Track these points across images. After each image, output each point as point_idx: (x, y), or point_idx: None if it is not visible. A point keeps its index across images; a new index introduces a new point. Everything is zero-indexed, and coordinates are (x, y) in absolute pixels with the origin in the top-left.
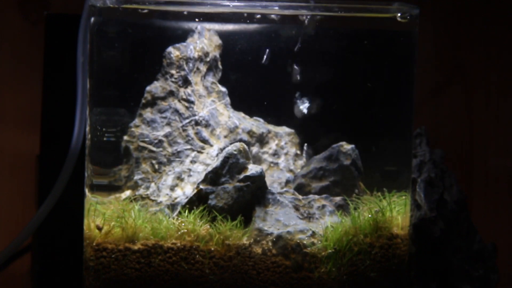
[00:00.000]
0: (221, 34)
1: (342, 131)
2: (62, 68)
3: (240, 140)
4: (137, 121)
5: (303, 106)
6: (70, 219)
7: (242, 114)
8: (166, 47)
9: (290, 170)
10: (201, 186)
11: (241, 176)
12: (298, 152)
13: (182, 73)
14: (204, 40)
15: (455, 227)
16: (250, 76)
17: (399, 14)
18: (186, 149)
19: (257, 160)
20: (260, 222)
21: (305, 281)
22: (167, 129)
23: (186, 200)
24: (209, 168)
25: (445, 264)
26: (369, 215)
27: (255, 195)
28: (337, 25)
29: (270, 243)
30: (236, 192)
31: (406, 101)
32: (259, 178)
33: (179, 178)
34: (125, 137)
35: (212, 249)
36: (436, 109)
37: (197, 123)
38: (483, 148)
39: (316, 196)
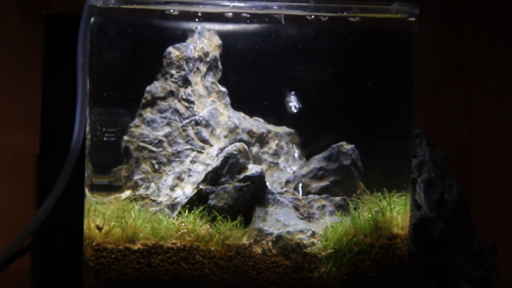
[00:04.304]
0: (221, 34)
1: (342, 131)
2: (62, 68)
3: (240, 140)
4: (137, 121)
5: (293, 104)
6: (70, 219)
7: (242, 114)
8: (166, 47)
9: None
10: (201, 186)
11: (241, 176)
12: (299, 152)
13: (182, 73)
14: (204, 40)
15: (455, 227)
16: (250, 76)
17: (399, 14)
18: (186, 149)
19: (257, 160)
20: (260, 222)
21: (305, 281)
22: (167, 129)
23: (186, 200)
24: (209, 168)
25: (445, 264)
26: (369, 215)
27: (255, 195)
28: (337, 25)
29: (270, 243)
30: (236, 192)
31: (406, 101)
32: (259, 178)
33: (179, 178)
34: (125, 137)
35: (212, 249)
36: (436, 109)
37: (197, 123)
38: (483, 148)
39: (316, 196)
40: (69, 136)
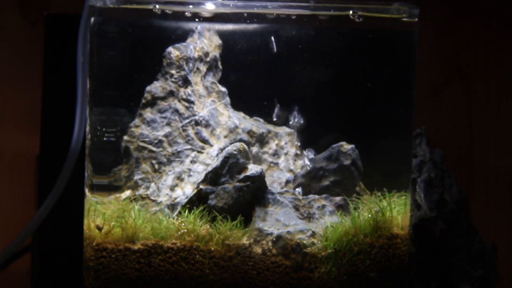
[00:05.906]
0: (221, 34)
1: (342, 131)
2: (62, 68)
3: (240, 140)
4: (137, 121)
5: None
6: (70, 219)
7: (242, 114)
8: (166, 47)
9: (290, 170)
10: (201, 186)
11: (241, 176)
12: (298, 152)
13: (182, 73)
14: (204, 40)
15: (455, 227)
16: (250, 76)
17: (399, 14)
18: (186, 149)
19: (257, 160)
20: (260, 222)
21: (305, 281)
22: (167, 129)
23: (186, 200)
24: (209, 168)
25: (445, 264)
26: (369, 215)
27: (255, 195)
28: (337, 25)
29: (270, 243)
30: (236, 192)
31: (406, 101)
32: (259, 178)
33: (179, 178)
34: (125, 137)
35: (212, 249)
36: (436, 109)
37: (197, 123)
38: (483, 148)
39: (316, 196)
40: (69, 136)
